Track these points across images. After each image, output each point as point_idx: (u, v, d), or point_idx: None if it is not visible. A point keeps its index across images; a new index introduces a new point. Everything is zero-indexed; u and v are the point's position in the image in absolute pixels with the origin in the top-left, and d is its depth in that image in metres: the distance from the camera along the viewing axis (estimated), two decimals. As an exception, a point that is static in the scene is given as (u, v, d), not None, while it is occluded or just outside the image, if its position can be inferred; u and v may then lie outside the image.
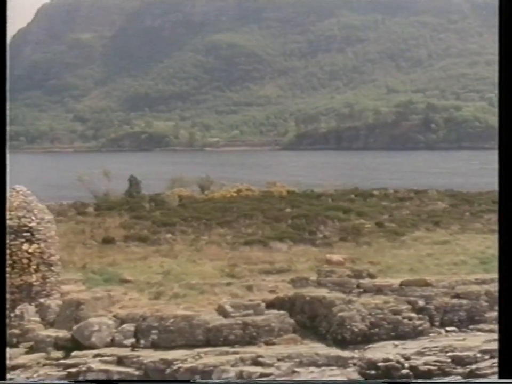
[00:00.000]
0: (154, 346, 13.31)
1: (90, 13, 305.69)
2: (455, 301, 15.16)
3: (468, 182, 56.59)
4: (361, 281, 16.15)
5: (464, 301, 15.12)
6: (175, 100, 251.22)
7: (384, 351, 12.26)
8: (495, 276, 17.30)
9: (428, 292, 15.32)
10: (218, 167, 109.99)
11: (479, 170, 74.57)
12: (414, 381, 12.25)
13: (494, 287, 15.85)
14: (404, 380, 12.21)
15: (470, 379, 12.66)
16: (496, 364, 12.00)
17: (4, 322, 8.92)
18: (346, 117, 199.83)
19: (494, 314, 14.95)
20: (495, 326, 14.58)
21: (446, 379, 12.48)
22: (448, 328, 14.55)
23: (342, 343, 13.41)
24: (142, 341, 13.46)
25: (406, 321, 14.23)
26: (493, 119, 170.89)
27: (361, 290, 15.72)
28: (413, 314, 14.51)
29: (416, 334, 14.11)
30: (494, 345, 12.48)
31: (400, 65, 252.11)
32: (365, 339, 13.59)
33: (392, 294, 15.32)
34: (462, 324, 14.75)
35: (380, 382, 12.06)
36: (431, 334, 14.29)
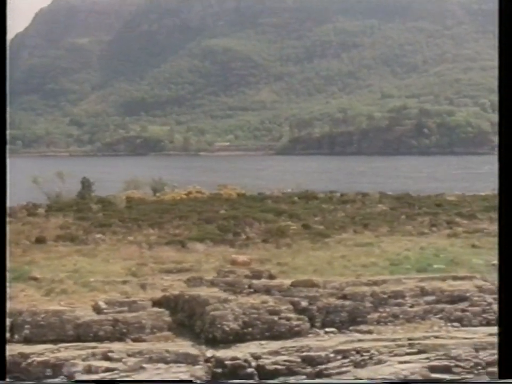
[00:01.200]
0: (27, 341, 13.46)
1: (87, 18, 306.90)
2: (339, 302, 15.21)
3: (441, 186, 56.87)
4: (253, 281, 16.24)
5: (348, 302, 15.17)
6: (171, 105, 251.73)
7: (240, 350, 12.34)
8: (397, 276, 17.45)
9: (314, 293, 15.39)
10: (206, 171, 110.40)
11: (458, 175, 74.89)
12: (411, 380, 12.29)
13: (383, 288, 15.95)
14: (403, 380, 12.27)
15: (470, 379, 12.63)
16: (347, 364, 12.14)
17: (4, 322, 9.07)
18: (340, 122, 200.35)
19: (376, 315, 15.03)
20: (375, 327, 14.70)
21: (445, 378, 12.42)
22: (327, 329, 14.59)
23: (213, 342, 13.51)
24: (16, 336, 13.61)
25: (283, 321, 14.27)
26: (485, 124, 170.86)
27: (251, 290, 15.84)
28: (292, 315, 14.55)
29: (292, 334, 14.15)
30: (350, 346, 12.57)
31: (396, 71, 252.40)
32: (237, 338, 13.67)
33: (279, 294, 15.41)
34: (343, 325, 14.80)
35: (380, 382, 12.12)
36: (310, 335, 14.37)
